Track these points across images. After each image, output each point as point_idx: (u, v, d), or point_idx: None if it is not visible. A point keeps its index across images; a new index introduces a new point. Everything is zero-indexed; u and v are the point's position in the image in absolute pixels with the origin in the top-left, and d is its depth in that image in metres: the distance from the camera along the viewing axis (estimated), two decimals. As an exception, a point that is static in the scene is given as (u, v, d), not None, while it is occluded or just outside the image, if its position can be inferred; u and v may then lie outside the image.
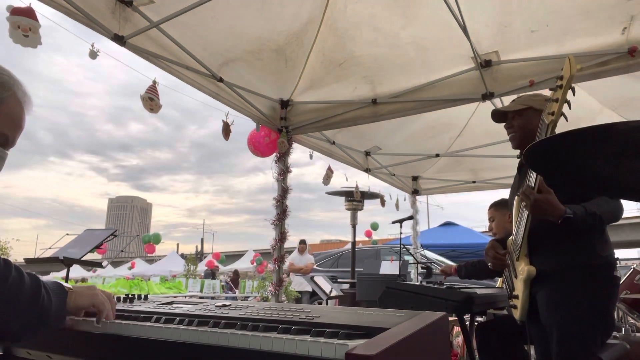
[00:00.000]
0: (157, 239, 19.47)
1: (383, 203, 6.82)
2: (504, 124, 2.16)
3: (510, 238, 2.06)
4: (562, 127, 1.85)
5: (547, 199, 1.69)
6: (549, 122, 1.68)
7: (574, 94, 1.67)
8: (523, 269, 1.86)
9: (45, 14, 2.34)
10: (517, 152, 2.19)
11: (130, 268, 22.11)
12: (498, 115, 2.15)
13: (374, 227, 18.95)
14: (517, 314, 1.90)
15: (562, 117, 1.70)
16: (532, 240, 1.91)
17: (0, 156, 0.95)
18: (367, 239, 19.51)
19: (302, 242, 8.54)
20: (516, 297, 1.91)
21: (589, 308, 1.75)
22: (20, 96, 0.96)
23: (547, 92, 1.76)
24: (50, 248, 3.85)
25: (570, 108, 1.69)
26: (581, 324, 1.74)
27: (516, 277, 1.93)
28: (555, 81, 1.68)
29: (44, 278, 0.95)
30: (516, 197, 2.03)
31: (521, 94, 2.21)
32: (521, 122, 2.03)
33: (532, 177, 1.78)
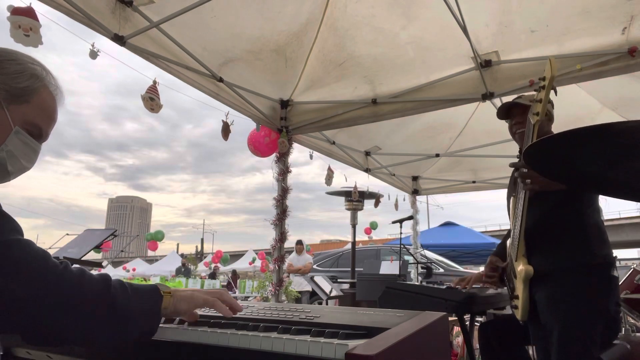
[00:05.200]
0: (159, 236, 19.38)
1: (377, 204, 6.81)
2: (507, 122, 2.13)
3: (508, 239, 2.06)
4: (558, 122, 1.85)
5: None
6: (535, 122, 1.69)
7: (555, 94, 1.68)
8: (521, 269, 1.86)
9: (39, 12, 2.35)
10: (517, 152, 2.18)
11: (129, 271, 22.10)
12: (505, 111, 2.10)
13: (373, 226, 18.92)
14: (518, 314, 1.90)
15: (556, 115, 1.71)
16: (529, 239, 1.91)
17: (33, 149, 0.93)
18: (367, 237, 19.51)
19: (299, 242, 8.56)
20: (517, 297, 1.91)
21: (587, 308, 1.75)
22: (52, 88, 0.95)
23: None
24: (50, 248, 3.85)
25: (553, 108, 1.70)
26: (580, 324, 1.74)
27: (516, 277, 1.93)
28: (539, 82, 1.69)
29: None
30: (512, 198, 2.03)
31: (521, 94, 2.20)
32: None
33: None
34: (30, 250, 0.77)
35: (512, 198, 2.03)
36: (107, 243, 3.64)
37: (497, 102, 3.75)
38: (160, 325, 0.95)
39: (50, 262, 0.77)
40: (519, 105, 2.04)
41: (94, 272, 0.95)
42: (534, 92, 1.75)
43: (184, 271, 15.06)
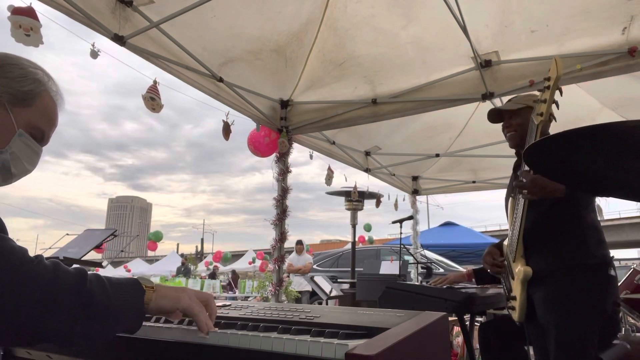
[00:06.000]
0: (154, 237, 19.33)
1: (378, 204, 6.81)
2: (501, 124, 2.16)
3: (505, 240, 2.07)
4: (558, 122, 1.85)
5: (543, 178, 1.66)
6: (538, 123, 1.69)
7: (561, 95, 1.68)
8: (520, 270, 1.87)
9: (38, 11, 2.34)
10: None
11: (128, 271, 22.08)
12: (495, 115, 2.14)
13: (367, 228, 17.81)
14: (515, 315, 1.90)
15: (552, 118, 1.71)
16: (527, 240, 1.91)
17: (36, 152, 0.94)
18: (362, 243, 18.98)
19: (299, 242, 8.56)
20: (514, 298, 1.91)
21: (584, 307, 1.75)
22: (53, 93, 0.96)
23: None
24: (50, 248, 3.85)
25: (558, 108, 1.69)
26: (576, 323, 1.74)
27: (513, 278, 1.93)
28: (544, 82, 1.69)
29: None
30: (510, 198, 2.03)
31: (517, 94, 2.21)
32: (520, 121, 2.02)
33: None
34: (6, 245, 0.74)
35: (510, 199, 2.03)
36: (103, 246, 3.64)
37: (497, 102, 3.75)
38: (160, 325, 0.95)
39: (24, 257, 0.75)
40: (505, 111, 2.09)
41: (93, 271, 0.93)
42: (532, 93, 1.75)
43: (184, 270, 14.94)
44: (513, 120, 2.05)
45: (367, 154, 5.56)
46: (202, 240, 44.17)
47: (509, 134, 2.09)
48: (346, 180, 6.10)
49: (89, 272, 0.81)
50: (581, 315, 1.74)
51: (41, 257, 0.78)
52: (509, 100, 2.15)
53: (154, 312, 0.88)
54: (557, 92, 1.68)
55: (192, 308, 0.87)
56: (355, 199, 7.63)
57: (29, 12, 2.31)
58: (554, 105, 1.69)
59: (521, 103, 2.05)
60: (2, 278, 0.71)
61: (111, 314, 0.80)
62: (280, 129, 4.15)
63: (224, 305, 1.14)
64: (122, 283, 0.84)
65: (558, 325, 1.76)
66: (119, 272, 21.64)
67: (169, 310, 0.88)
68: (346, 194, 8.17)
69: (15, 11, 2.28)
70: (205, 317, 0.87)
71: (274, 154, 4.22)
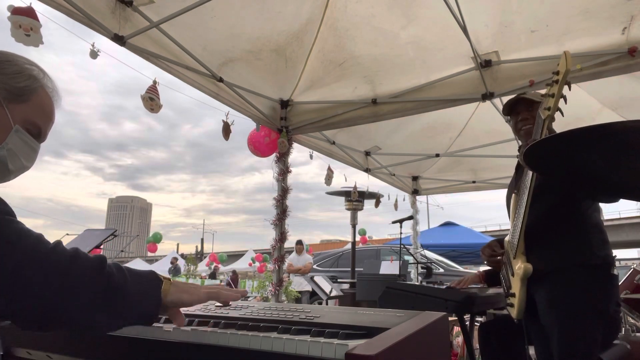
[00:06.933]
0: (152, 238, 19.30)
1: (377, 204, 6.81)
2: (511, 120, 2.10)
3: (507, 237, 2.06)
4: (558, 123, 1.85)
5: None
6: (545, 118, 1.67)
7: (569, 89, 1.66)
8: (520, 266, 1.86)
9: (38, 10, 2.34)
10: (517, 152, 2.17)
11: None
12: (512, 106, 2.06)
13: (362, 232, 17.48)
14: (514, 312, 1.89)
15: (559, 112, 1.68)
16: (529, 238, 1.90)
17: (33, 148, 0.94)
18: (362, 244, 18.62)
19: (299, 242, 8.56)
20: (513, 295, 1.90)
21: (588, 308, 1.75)
22: (49, 89, 0.97)
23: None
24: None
25: (566, 103, 1.67)
26: (581, 324, 1.74)
27: (513, 275, 1.93)
28: (552, 76, 1.67)
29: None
30: (513, 196, 2.03)
31: (524, 92, 2.18)
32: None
33: (529, 176, 1.77)
34: (22, 228, 0.76)
35: (513, 195, 2.02)
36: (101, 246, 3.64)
37: (497, 102, 3.76)
38: (160, 325, 0.95)
39: (41, 239, 0.76)
40: (526, 100, 2.00)
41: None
42: (540, 90, 1.72)
43: (174, 271, 14.67)
44: (534, 112, 1.93)
45: (367, 154, 5.56)
46: (202, 240, 44.21)
47: (526, 127, 1.98)
48: (346, 180, 6.10)
49: (108, 260, 0.83)
50: (585, 317, 1.74)
51: (59, 242, 0.79)
52: (524, 93, 2.07)
53: (172, 304, 0.90)
54: (566, 87, 1.65)
55: (211, 293, 0.95)
56: (355, 199, 7.63)
57: (29, 12, 2.31)
58: (561, 100, 1.67)
59: (538, 98, 1.98)
60: (18, 259, 0.72)
61: (129, 299, 0.82)
62: (280, 129, 4.15)
63: (224, 305, 1.14)
64: (140, 272, 0.88)
65: (561, 326, 1.75)
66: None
67: (188, 304, 0.93)
68: (346, 194, 8.18)
69: (15, 11, 2.29)
70: (225, 292, 0.97)
71: (274, 154, 4.23)
